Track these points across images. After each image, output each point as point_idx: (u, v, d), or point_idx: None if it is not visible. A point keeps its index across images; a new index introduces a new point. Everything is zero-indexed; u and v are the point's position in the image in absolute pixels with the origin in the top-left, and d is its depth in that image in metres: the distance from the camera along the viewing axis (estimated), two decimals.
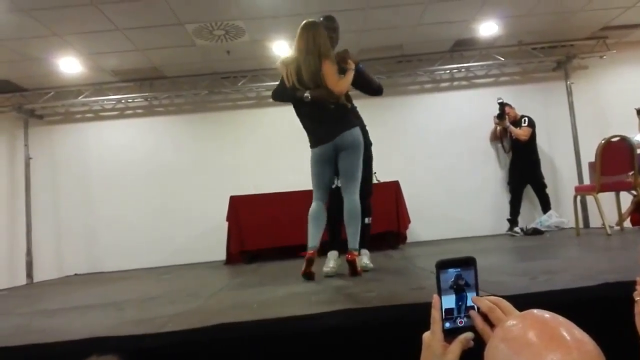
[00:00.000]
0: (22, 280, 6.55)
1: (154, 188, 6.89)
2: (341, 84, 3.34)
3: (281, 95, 3.61)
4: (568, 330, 0.68)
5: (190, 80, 6.98)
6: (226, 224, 5.87)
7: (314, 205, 3.50)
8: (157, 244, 6.67)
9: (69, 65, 6.18)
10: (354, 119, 3.50)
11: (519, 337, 0.69)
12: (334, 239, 3.77)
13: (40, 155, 6.89)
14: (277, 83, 3.69)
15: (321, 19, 3.63)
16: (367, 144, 3.73)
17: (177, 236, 6.73)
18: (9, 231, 6.86)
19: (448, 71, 7.10)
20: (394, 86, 7.09)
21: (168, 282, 4.56)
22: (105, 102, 7.02)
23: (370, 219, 3.83)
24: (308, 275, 3.24)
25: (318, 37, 3.35)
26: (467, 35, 6.46)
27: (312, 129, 3.48)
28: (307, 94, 3.33)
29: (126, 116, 7.18)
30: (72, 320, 2.64)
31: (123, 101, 7.07)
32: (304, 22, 3.46)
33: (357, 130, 3.41)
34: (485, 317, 0.91)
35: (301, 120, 3.55)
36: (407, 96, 7.17)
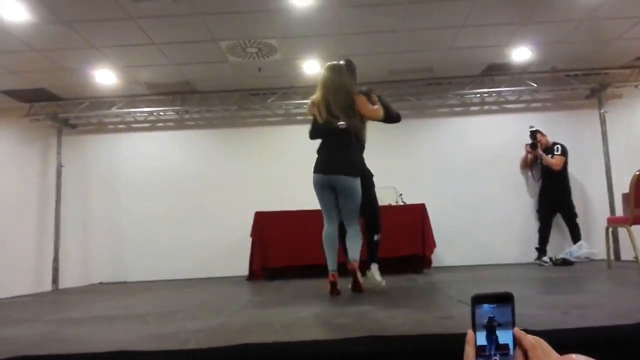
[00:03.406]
0: (47, 286, 6.64)
1: (182, 201, 6.95)
2: (377, 110, 3.76)
3: (316, 132, 3.91)
4: None
5: (220, 96, 7.07)
6: (250, 239, 5.88)
7: (326, 228, 3.83)
8: (181, 257, 6.70)
9: (104, 76, 6.32)
10: (358, 168, 3.80)
11: None
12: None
13: (71, 164, 7.02)
14: (311, 121, 3.97)
15: (342, 62, 3.99)
16: (367, 173, 4.08)
17: (201, 250, 6.75)
18: (38, 236, 6.98)
19: (479, 95, 7.03)
20: (422, 108, 7.06)
21: (190, 295, 4.57)
22: (137, 114, 7.15)
23: (379, 236, 4.06)
24: (335, 293, 3.61)
25: (342, 75, 3.80)
26: (500, 60, 6.40)
27: (324, 155, 3.80)
28: (342, 122, 3.70)
29: (157, 128, 7.30)
30: (96, 331, 2.66)
31: (155, 114, 7.19)
32: (328, 64, 3.91)
33: (354, 181, 3.72)
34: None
35: (322, 150, 3.84)
36: (436, 119, 7.13)
